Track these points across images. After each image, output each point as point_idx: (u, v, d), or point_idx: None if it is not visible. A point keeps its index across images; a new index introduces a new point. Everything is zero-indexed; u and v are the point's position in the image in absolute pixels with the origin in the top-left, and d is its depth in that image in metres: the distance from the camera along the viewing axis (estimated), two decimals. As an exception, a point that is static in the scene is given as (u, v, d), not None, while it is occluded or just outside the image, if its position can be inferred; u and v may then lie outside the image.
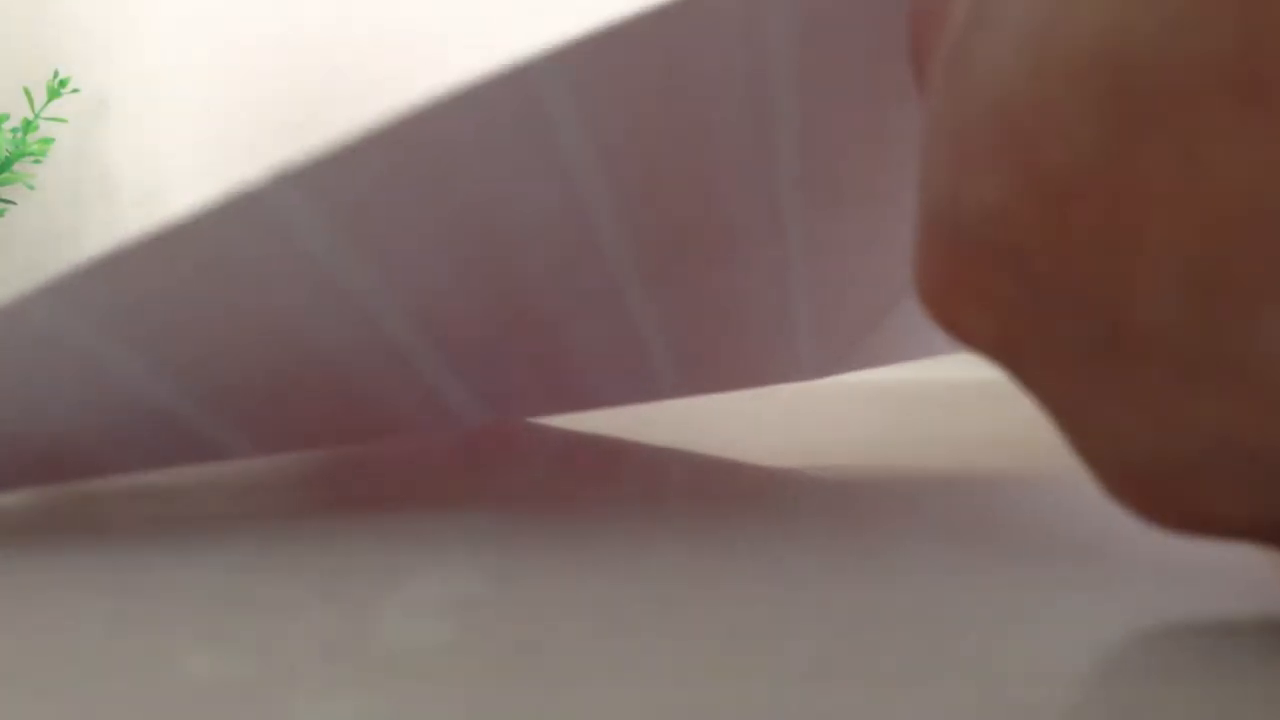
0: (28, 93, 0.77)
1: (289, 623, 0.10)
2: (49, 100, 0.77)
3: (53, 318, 0.14)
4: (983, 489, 0.17)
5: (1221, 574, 0.12)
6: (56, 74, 0.78)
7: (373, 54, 0.81)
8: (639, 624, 0.10)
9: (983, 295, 0.10)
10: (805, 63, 0.14)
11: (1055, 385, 0.10)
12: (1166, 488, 0.09)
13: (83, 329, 0.14)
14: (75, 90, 0.78)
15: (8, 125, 0.77)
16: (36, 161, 0.79)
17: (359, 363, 0.16)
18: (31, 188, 0.79)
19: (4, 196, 0.79)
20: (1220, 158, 0.08)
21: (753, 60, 0.14)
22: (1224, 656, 0.09)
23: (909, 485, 0.18)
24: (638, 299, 0.17)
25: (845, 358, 0.22)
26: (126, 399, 0.15)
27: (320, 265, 0.14)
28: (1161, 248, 0.08)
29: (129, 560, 0.13)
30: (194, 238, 0.13)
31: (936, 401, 0.33)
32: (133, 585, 0.12)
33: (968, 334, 0.10)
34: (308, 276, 0.14)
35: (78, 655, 0.09)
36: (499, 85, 0.13)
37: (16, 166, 0.79)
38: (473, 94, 0.13)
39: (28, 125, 0.77)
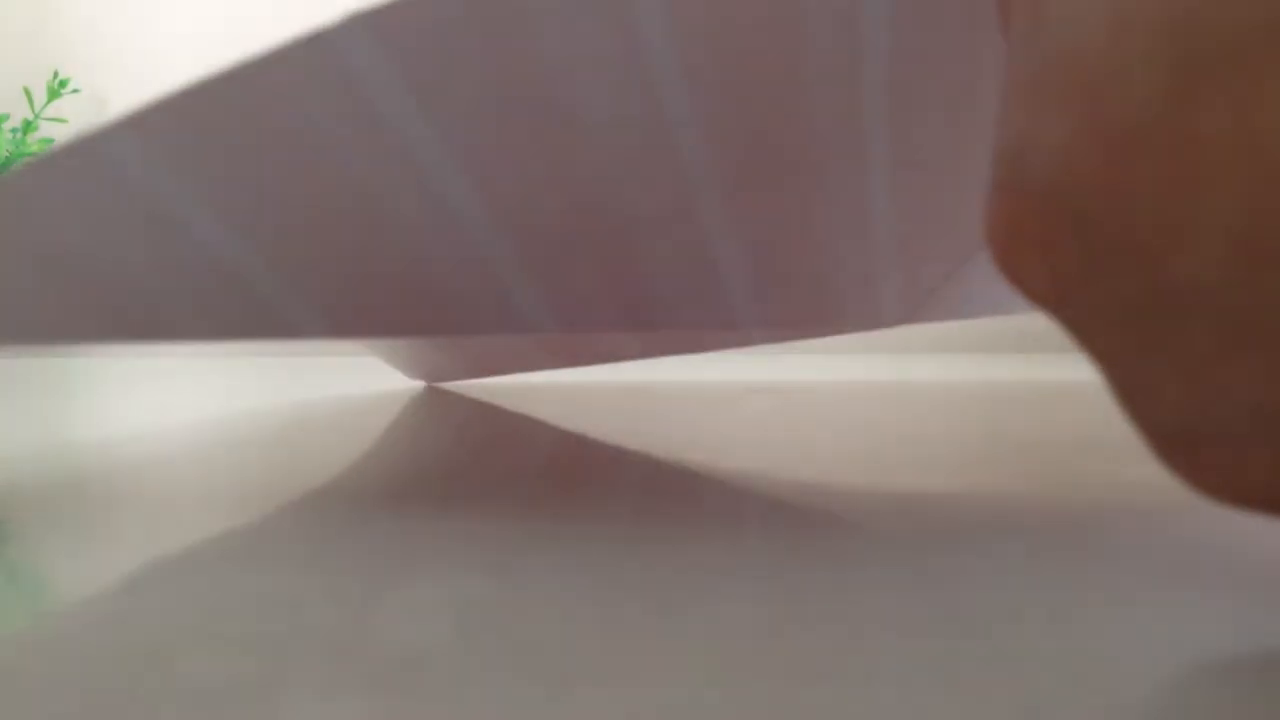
0: (28, 93, 0.77)
1: (289, 622, 0.10)
2: (49, 100, 0.77)
3: (124, 154, 0.13)
4: (1012, 491, 0.17)
5: None
6: (56, 74, 0.78)
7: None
8: (639, 625, 0.10)
9: (1042, 243, 0.10)
10: None
11: (1104, 341, 0.10)
12: (1204, 452, 0.09)
13: (154, 171, 0.14)
14: (75, 90, 0.78)
15: (8, 125, 0.77)
16: (36, 161, 0.79)
17: (429, 244, 0.16)
18: (31, 188, 0.79)
19: (4, 196, 0.79)
20: (1271, 124, 0.08)
21: None
22: None
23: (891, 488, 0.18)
24: (713, 210, 0.16)
25: (924, 307, 0.21)
26: (199, 258, 0.15)
27: (388, 121, 0.14)
28: (1210, 207, 0.08)
29: (130, 560, 0.13)
30: (263, 75, 0.13)
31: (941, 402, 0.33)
32: (135, 585, 0.12)
33: (1026, 282, 0.10)
34: (376, 134, 0.14)
35: (80, 655, 0.09)
36: None
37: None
38: None
39: (28, 125, 0.77)
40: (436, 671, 0.09)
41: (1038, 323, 0.83)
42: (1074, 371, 0.55)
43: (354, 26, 0.13)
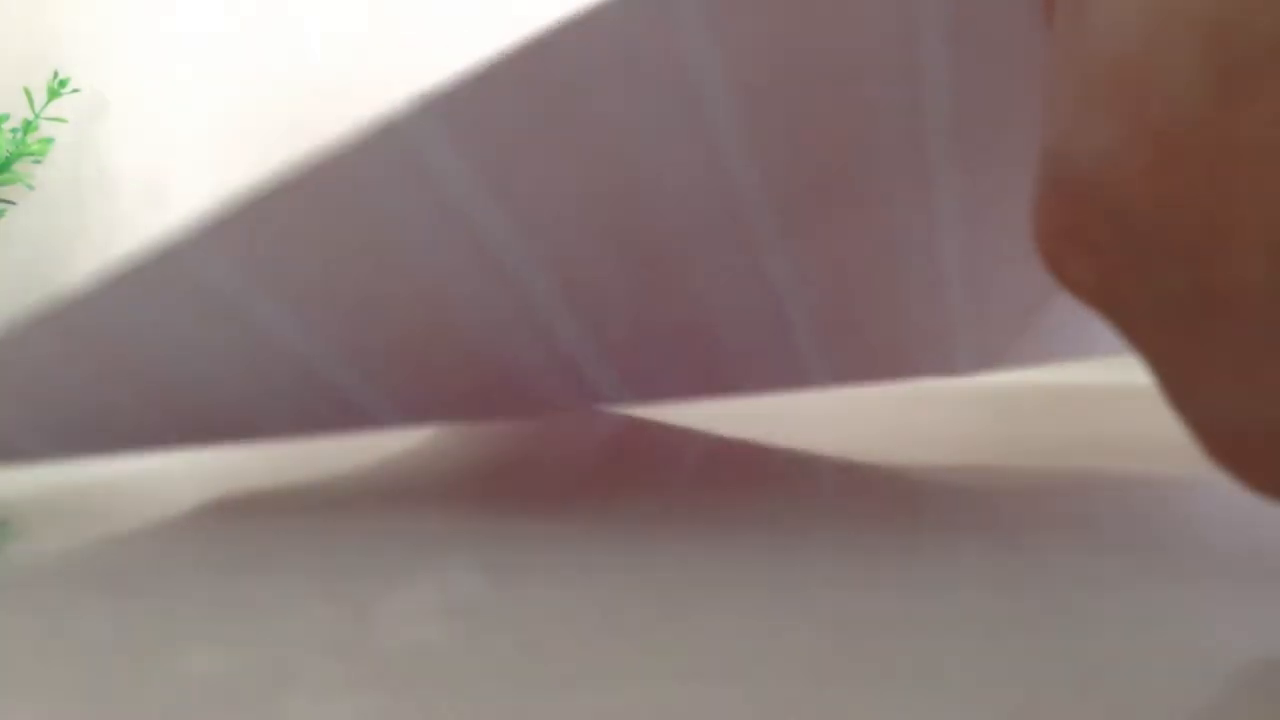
0: (28, 93, 0.77)
1: (289, 623, 0.10)
2: (49, 100, 0.77)
3: (200, 263, 0.13)
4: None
5: None
6: (56, 74, 0.78)
7: (373, 54, 0.81)
8: (643, 625, 0.10)
9: (1088, 243, 0.10)
10: (958, 16, 0.14)
11: (1153, 340, 0.10)
12: (1256, 450, 0.10)
13: (229, 276, 0.14)
14: (75, 90, 0.78)
15: (8, 125, 0.77)
16: (36, 161, 0.79)
17: (502, 328, 0.16)
18: (31, 188, 0.79)
19: (4, 196, 0.79)
20: None
21: (902, 10, 0.13)
22: None
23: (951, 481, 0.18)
24: (780, 268, 0.16)
25: (1001, 353, 0.21)
26: (275, 357, 0.15)
27: (459, 210, 0.14)
28: (1253, 209, 0.09)
29: (131, 559, 0.13)
30: (335, 173, 0.13)
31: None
32: (134, 585, 0.12)
33: (1073, 283, 0.10)
34: (448, 223, 0.14)
35: (80, 654, 0.09)
36: (632, 7, 0.12)
37: (16, 166, 0.79)
38: (604, 17, 0.12)
39: (28, 125, 0.77)
40: (436, 672, 0.09)
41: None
42: (1086, 374, 0.55)
43: (424, 115, 0.13)
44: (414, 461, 0.21)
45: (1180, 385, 0.10)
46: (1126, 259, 0.10)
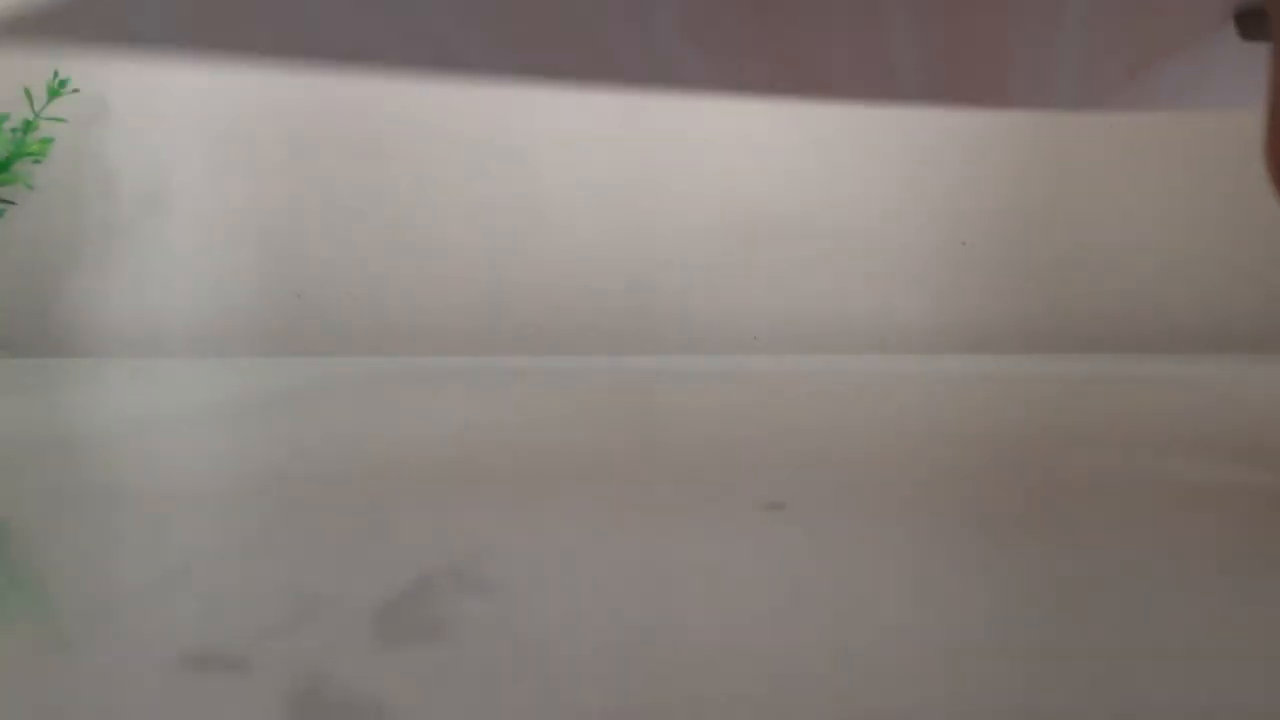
0: (28, 93, 0.77)
1: (292, 616, 0.10)
2: (49, 100, 0.77)
3: None
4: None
5: None
6: (56, 74, 0.78)
7: (373, 54, 0.81)
8: (643, 619, 0.10)
9: None
10: None
11: None
12: None
13: None
14: (75, 90, 0.77)
15: (8, 125, 0.77)
16: (36, 161, 0.79)
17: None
18: (31, 188, 0.79)
19: (4, 196, 0.79)
20: None
21: None
22: None
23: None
24: None
25: (1102, 97, 0.21)
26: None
27: None
28: None
29: (133, 555, 0.13)
30: None
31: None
32: (138, 580, 0.12)
33: None
34: None
35: (83, 654, 0.09)
36: None
37: (16, 166, 0.79)
38: None
39: (28, 125, 0.77)
40: (436, 673, 0.09)
41: (1038, 323, 0.83)
42: (1075, 366, 0.55)
43: None
44: (421, 461, 0.21)
45: None
46: None
